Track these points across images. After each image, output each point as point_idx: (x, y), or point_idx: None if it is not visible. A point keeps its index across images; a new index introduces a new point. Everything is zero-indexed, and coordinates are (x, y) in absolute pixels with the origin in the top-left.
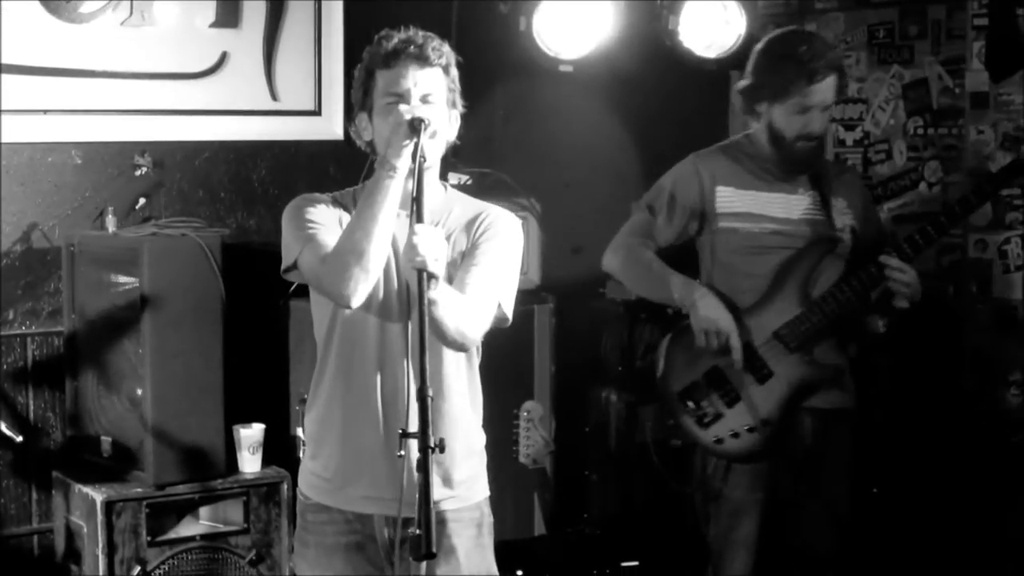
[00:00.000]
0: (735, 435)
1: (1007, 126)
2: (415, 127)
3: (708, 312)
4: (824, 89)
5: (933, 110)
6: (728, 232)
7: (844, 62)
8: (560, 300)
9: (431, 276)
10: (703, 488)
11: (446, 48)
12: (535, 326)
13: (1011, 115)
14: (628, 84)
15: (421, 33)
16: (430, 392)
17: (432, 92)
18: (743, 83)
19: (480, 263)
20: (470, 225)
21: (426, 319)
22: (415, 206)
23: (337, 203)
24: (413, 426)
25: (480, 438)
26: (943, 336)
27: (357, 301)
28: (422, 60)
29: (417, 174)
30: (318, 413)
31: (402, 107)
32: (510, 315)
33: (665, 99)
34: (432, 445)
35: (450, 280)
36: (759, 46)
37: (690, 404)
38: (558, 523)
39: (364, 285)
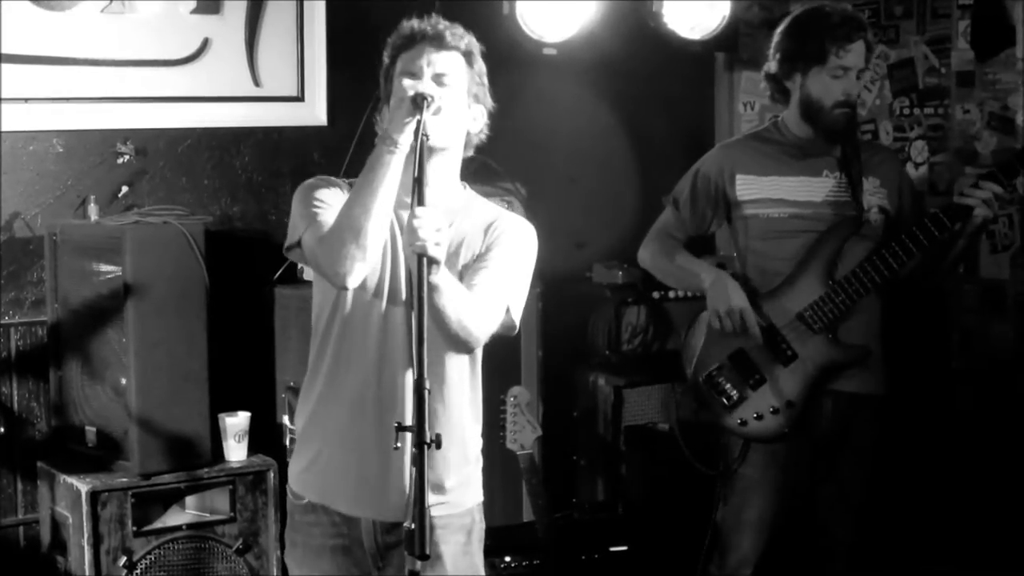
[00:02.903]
0: (759, 417)
1: (993, 105)
2: (418, 103)
3: (721, 293)
4: (858, 50)
5: (919, 90)
6: (751, 219)
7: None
8: (547, 285)
9: (432, 261)
10: (728, 473)
11: (469, 37)
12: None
13: (997, 94)
14: (612, 66)
15: (443, 22)
16: (428, 385)
17: (447, 74)
18: (771, 64)
19: (490, 267)
20: (485, 229)
21: (426, 306)
22: (416, 187)
23: (351, 188)
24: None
25: (477, 445)
26: (931, 316)
27: (353, 281)
28: (439, 41)
29: (419, 153)
30: (311, 408)
31: (406, 82)
32: (517, 322)
33: (649, 81)
34: (428, 440)
35: (462, 279)
36: (782, 26)
37: (715, 386)
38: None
39: (361, 264)
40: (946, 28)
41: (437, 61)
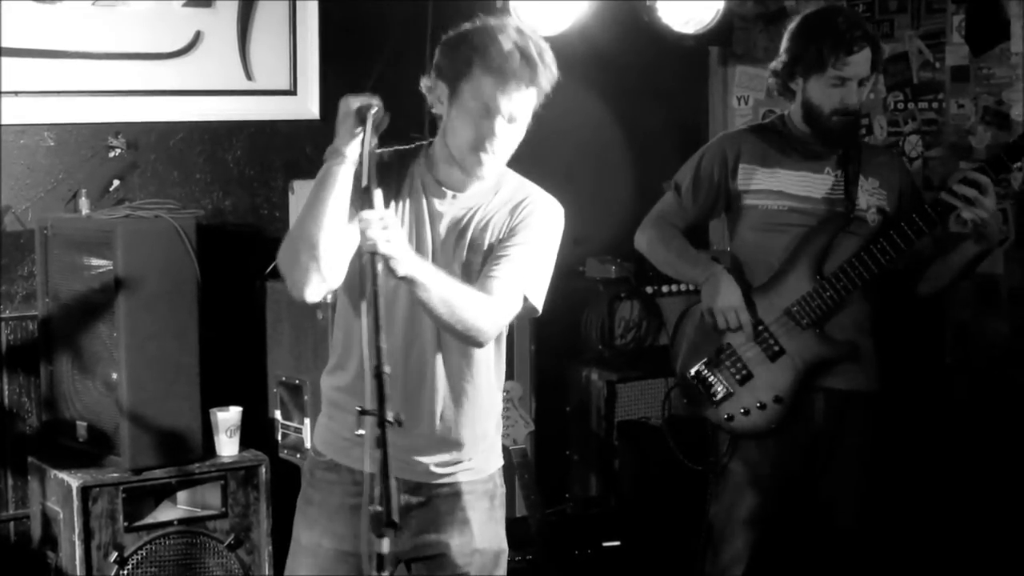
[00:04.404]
0: (746, 412)
1: (987, 100)
2: (362, 115)
3: (717, 290)
4: (860, 61)
5: (913, 84)
6: (750, 209)
7: (879, 36)
8: None
9: (385, 257)
10: (714, 468)
11: (554, 65)
12: None
13: (991, 89)
14: (606, 61)
15: (535, 45)
16: (387, 369)
17: (523, 114)
18: (777, 62)
19: (510, 253)
20: (512, 210)
21: (379, 299)
22: (366, 194)
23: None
24: (439, 404)
25: (499, 408)
26: (926, 312)
27: (311, 294)
28: (531, 82)
29: (367, 162)
30: (343, 381)
31: (350, 98)
32: (540, 306)
33: (643, 75)
34: (390, 419)
35: (484, 264)
36: (793, 24)
37: (702, 381)
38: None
39: (317, 276)
40: (940, 22)
41: (519, 103)
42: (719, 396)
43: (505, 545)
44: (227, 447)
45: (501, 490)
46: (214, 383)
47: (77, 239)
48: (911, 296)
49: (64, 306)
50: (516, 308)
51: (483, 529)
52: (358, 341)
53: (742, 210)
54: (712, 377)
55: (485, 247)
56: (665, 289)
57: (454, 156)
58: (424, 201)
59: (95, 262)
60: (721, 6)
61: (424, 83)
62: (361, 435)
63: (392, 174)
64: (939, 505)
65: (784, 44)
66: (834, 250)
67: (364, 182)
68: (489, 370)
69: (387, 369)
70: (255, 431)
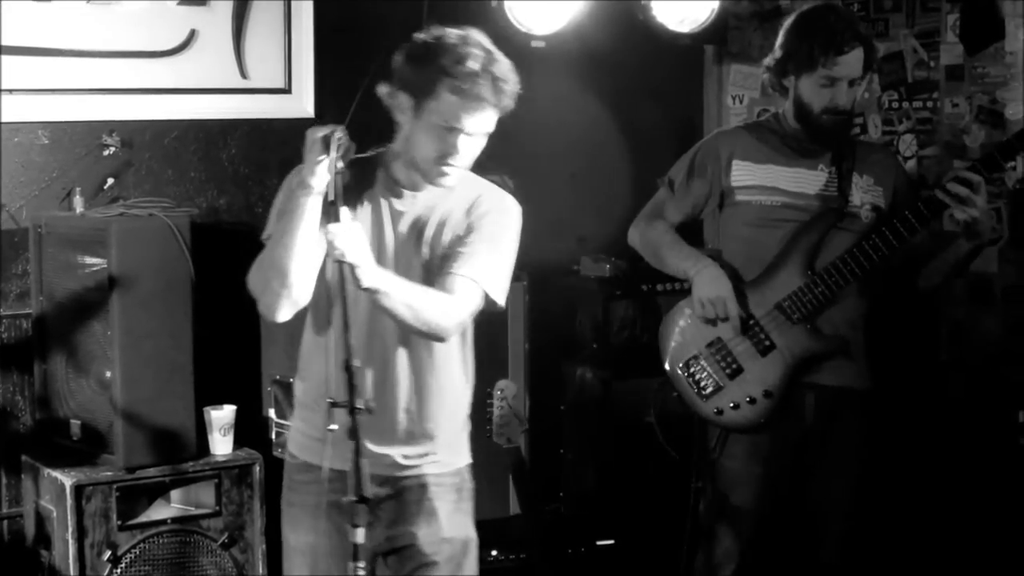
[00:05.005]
0: (735, 406)
1: (982, 99)
2: (326, 143)
3: (706, 282)
4: (850, 62)
5: (908, 83)
6: (743, 205)
7: (872, 36)
8: (534, 277)
9: (352, 266)
10: (702, 460)
11: (516, 85)
12: (509, 304)
13: (986, 88)
14: (601, 59)
15: (501, 66)
16: (356, 363)
17: (485, 131)
18: (770, 58)
19: (468, 250)
20: (467, 209)
21: (348, 304)
22: (332, 208)
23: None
24: (403, 398)
25: (466, 408)
26: (920, 309)
27: (282, 316)
28: (496, 106)
29: (333, 178)
30: (311, 384)
31: (315, 128)
32: (501, 301)
33: (638, 74)
34: (360, 407)
35: (443, 261)
36: (788, 22)
37: (692, 375)
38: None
39: (287, 301)
40: (935, 22)
41: (482, 122)
42: (708, 390)
43: (474, 534)
44: (221, 446)
45: (469, 485)
46: (208, 381)
47: (71, 237)
48: (910, 291)
49: (58, 304)
50: (477, 304)
51: (450, 519)
52: (322, 347)
53: (736, 206)
54: (701, 371)
55: (444, 244)
56: (660, 287)
57: (417, 165)
58: (384, 203)
59: (89, 260)
60: (716, 5)
61: (383, 90)
62: (334, 430)
63: (354, 181)
64: (931, 503)
65: (779, 40)
66: (826, 246)
67: (331, 197)
68: (453, 364)
69: (356, 362)
70: (249, 430)
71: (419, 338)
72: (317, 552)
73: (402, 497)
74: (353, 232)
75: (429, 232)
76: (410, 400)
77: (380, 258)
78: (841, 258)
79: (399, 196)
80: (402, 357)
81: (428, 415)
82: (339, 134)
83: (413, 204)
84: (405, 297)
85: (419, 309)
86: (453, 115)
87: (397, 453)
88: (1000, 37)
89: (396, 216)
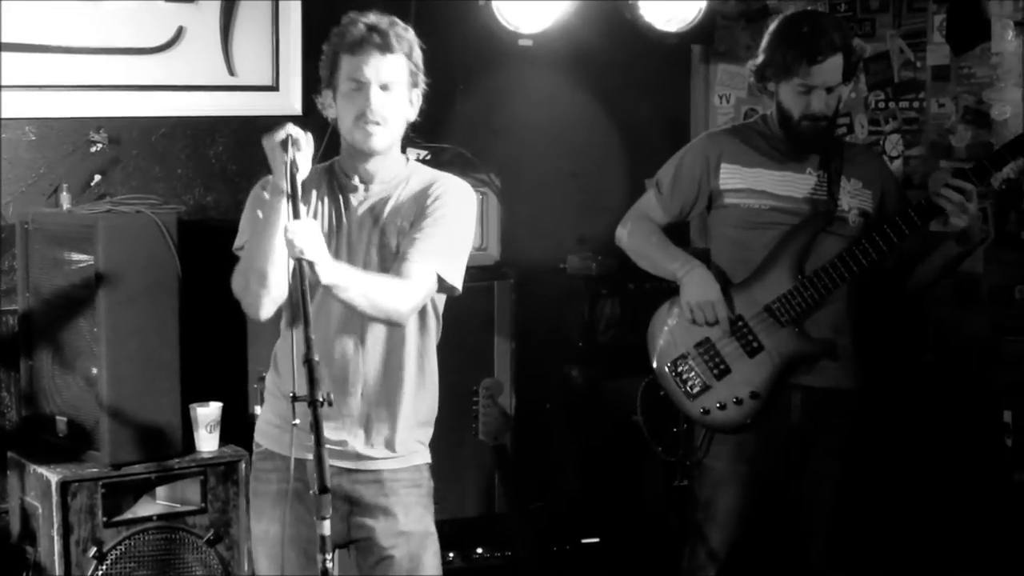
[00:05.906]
0: (722, 407)
1: (968, 99)
2: (285, 145)
3: (695, 285)
4: (827, 70)
5: (894, 83)
6: (731, 208)
7: (853, 42)
8: (520, 276)
9: (311, 263)
10: (688, 460)
11: (410, 34)
12: (495, 302)
13: (972, 88)
14: (588, 58)
15: (386, 19)
16: (316, 357)
17: (393, 80)
18: (753, 63)
19: (421, 235)
20: (420, 195)
21: (308, 297)
22: (291, 206)
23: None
24: (361, 390)
25: (429, 410)
26: (906, 310)
27: (264, 314)
28: (385, 48)
29: (291, 179)
30: (282, 377)
31: (271, 134)
32: (458, 285)
33: (625, 73)
34: (320, 399)
35: (399, 248)
36: (771, 27)
37: (679, 375)
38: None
39: (268, 299)
40: (922, 22)
41: (383, 69)
42: (696, 390)
43: (433, 529)
44: (207, 443)
45: (429, 483)
46: (194, 379)
47: (58, 234)
48: (896, 293)
49: (45, 301)
50: (432, 287)
51: (408, 512)
52: (289, 340)
53: (724, 209)
54: (689, 371)
55: (397, 231)
56: (647, 286)
57: (347, 140)
58: (340, 196)
59: (76, 257)
60: (703, 4)
61: (318, 102)
62: (297, 424)
63: (311, 182)
64: (917, 502)
65: (762, 44)
66: (815, 249)
67: (288, 190)
68: (411, 359)
69: (316, 357)
70: (235, 427)
71: (381, 333)
72: (276, 543)
73: (360, 490)
74: (310, 230)
75: (383, 221)
76: (369, 394)
77: (337, 252)
78: (831, 262)
79: (353, 190)
80: (363, 353)
81: (387, 411)
82: (293, 132)
83: (367, 195)
84: (362, 288)
85: (375, 298)
86: (354, 70)
87: (357, 445)
88: (986, 38)
89: (351, 207)
